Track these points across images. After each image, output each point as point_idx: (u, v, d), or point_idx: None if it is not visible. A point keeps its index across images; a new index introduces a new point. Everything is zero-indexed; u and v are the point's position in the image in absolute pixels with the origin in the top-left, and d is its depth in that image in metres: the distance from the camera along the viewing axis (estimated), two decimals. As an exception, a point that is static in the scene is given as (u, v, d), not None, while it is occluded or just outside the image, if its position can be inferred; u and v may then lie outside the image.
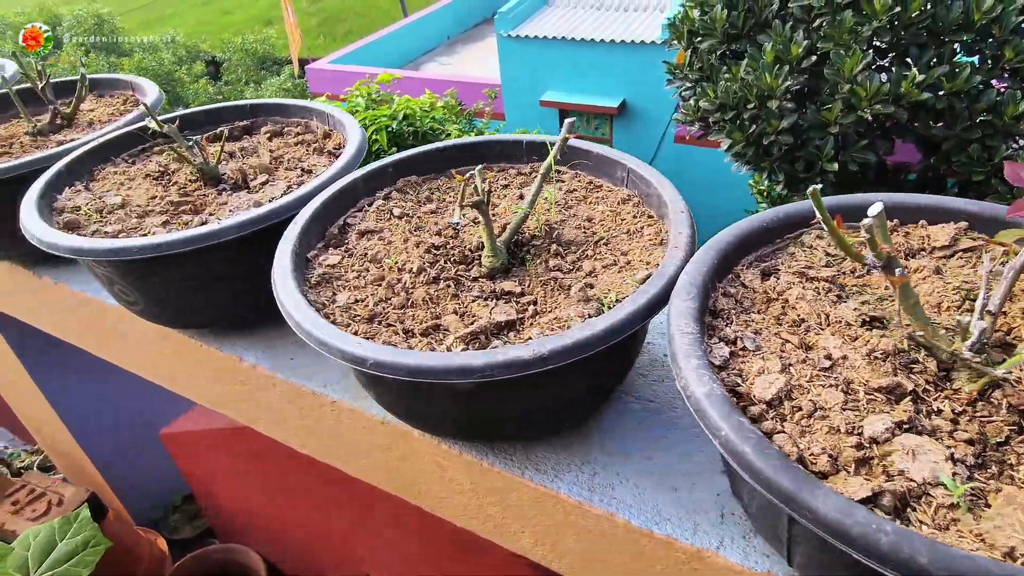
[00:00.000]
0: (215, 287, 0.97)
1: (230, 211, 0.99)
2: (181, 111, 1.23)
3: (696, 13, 4.49)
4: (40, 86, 1.31)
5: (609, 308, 0.71)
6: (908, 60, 3.62)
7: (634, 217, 0.89)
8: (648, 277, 0.73)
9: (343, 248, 0.89)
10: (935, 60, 3.53)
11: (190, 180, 1.07)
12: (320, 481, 1.57)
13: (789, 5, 3.96)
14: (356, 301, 0.78)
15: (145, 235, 0.95)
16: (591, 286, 0.76)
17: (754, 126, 3.96)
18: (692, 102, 4.47)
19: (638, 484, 0.77)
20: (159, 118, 1.11)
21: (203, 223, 0.96)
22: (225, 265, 0.94)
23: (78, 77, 1.30)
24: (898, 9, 3.41)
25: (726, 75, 4.16)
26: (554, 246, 0.84)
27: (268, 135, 1.22)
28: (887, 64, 3.74)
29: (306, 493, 1.66)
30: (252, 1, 29.32)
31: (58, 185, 1.06)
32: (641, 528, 0.73)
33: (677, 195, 0.85)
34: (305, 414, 1.02)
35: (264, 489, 1.77)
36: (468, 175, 0.77)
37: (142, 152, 1.20)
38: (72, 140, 1.23)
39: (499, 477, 0.81)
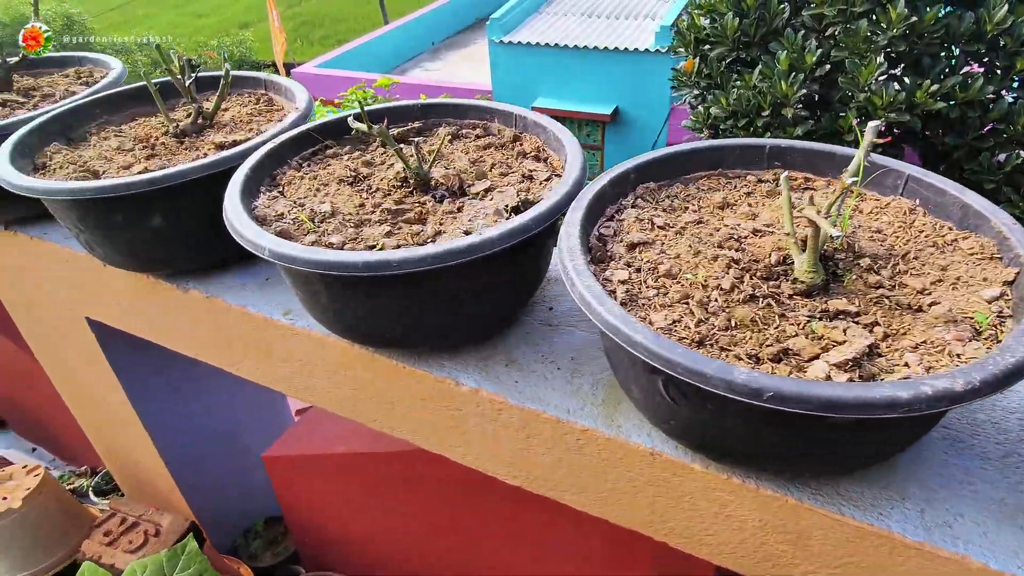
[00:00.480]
0: (466, 302, 0.87)
1: (469, 220, 0.87)
2: (348, 111, 1.12)
3: (705, 21, 4.49)
4: (186, 82, 1.18)
5: (979, 328, 0.66)
6: (920, 70, 3.66)
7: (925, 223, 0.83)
8: (996, 296, 0.69)
9: (622, 262, 0.79)
10: (947, 70, 3.58)
11: (394, 186, 0.97)
12: (439, 509, 1.46)
13: (801, 14, 3.98)
14: (674, 322, 0.69)
15: (374, 247, 0.83)
16: (936, 303, 0.70)
17: (768, 133, 3.96)
18: (702, 109, 4.47)
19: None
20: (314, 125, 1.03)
21: (436, 233, 0.86)
22: (483, 278, 0.84)
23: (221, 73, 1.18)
24: (914, 19, 3.44)
25: (738, 83, 4.16)
26: (865, 260, 0.77)
27: (448, 137, 1.12)
28: (898, 74, 3.79)
29: (420, 522, 1.54)
30: (226, 4, 28.88)
31: (251, 190, 0.96)
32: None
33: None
34: (535, 443, 0.92)
35: (370, 517, 1.64)
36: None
37: (314, 155, 1.10)
38: (231, 141, 1.13)
39: (809, 514, 0.73)
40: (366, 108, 1.07)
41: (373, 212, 0.92)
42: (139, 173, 1.03)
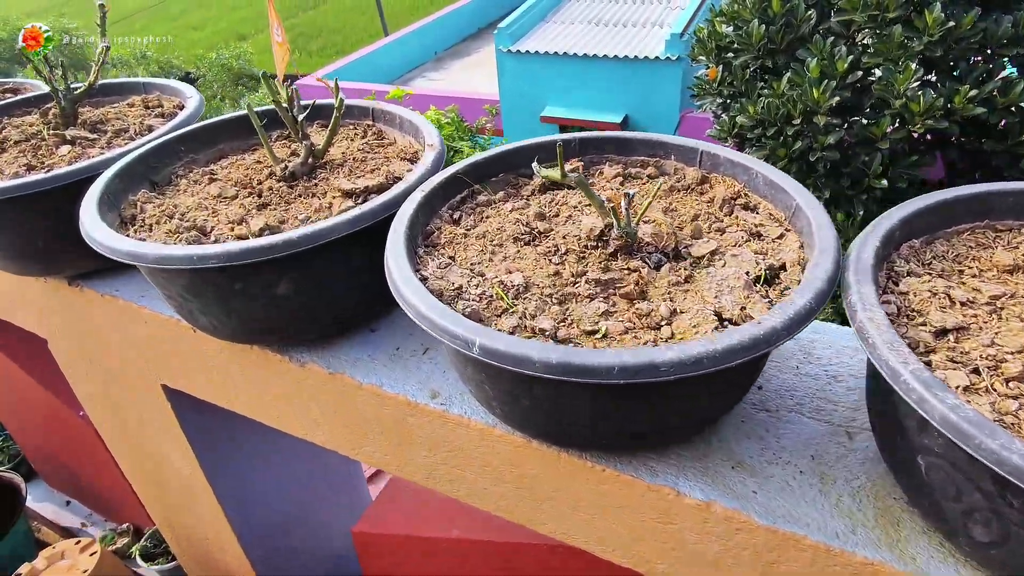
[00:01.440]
0: (703, 399, 0.74)
1: (714, 295, 0.72)
2: (499, 147, 1.00)
3: (728, 29, 4.41)
4: (293, 113, 1.04)
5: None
6: (955, 75, 3.58)
7: None
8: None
9: (940, 355, 0.64)
10: (985, 75, 3.50)
11: (587, 246, 0.81)
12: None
13: (830, 19, 3.91)
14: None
15: (594, 332, 0.70)
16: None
17: (799, 142, 3.88)
18: (727, 118, 4.39)
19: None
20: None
21: (672, 312, 0.71)
22: (732, 373, 0.68)
23: (334, 103, 1.04)
24: (951, 24, 3.37)
25: (765, 91, 4.08)
26: None
27: (618, 179, 0.97)
28: (933, 79, 3.71)
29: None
30: (220, 16, 28.81)
31: (411, 253, 0.83)
32: None
33: None
34: (781, 572, 0.75)
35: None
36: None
37: (462, 203, 0.96)
38: (361, 188, 0.99)
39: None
40: (515, 145, 0.97)
41: (576, 283, 0.77)
42: (262, 230, 0.91)
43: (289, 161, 1.07)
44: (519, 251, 0.85)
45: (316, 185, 1.04)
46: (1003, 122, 3.54)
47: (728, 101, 4.56)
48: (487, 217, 0.94)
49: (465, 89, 10.32)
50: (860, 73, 3.71)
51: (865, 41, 3.94)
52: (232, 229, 0.95)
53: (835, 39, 3.83)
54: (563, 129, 8.70)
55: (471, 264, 0.83)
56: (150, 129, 1.31)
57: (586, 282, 0.76)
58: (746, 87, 4.28)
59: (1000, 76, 3.46)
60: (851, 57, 3.69)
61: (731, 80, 4.40)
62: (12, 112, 1.46)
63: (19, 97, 1.48)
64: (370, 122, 1.23)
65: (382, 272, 0.80)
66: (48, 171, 1.13)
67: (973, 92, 3.38)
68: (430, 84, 11.53)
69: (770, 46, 4.10)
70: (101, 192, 1.00)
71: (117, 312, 1.24)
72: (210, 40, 24.16)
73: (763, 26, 4.07)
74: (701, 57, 4.86)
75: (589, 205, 0.86)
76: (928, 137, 3.76)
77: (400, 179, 0.99)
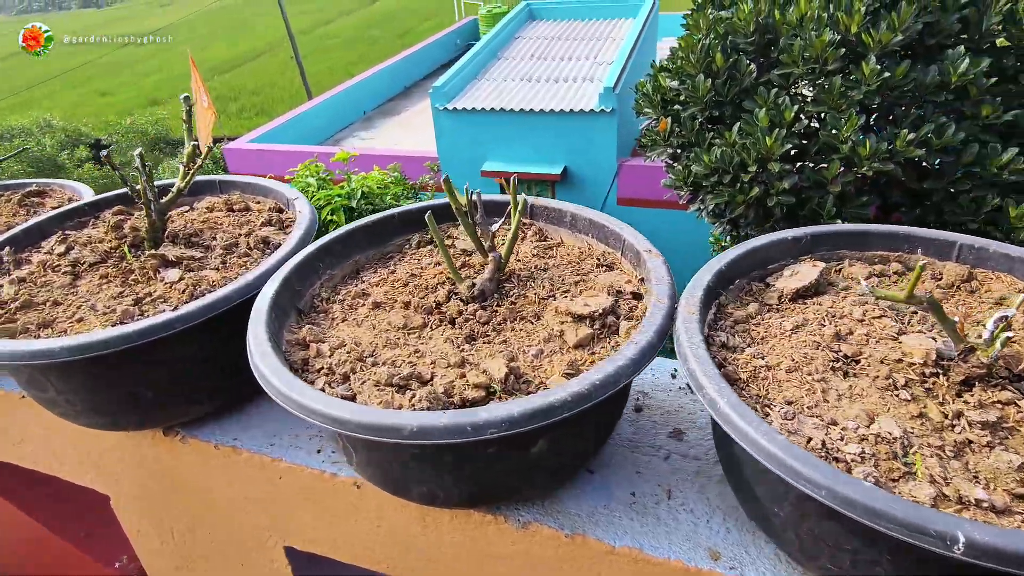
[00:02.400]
0: None
1: None
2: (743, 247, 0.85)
3: (674, 83, 4.56)
4: (475, 219, 0.91)
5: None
6: (894, 121, 3.80)
7: None
8: None
9: None
10: (919, 120, 3.73)
11: (924, 374, 0.69)
12: None
13: (773, 72, 4.10)
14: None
15: None
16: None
17: (755, 188, 4.00)
18: (681, 167, 4.49)
19: None
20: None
21: None
22: None
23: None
24: (887, 74, 3.58)
25: (717, 140, 4.21)
26: None
27: (872, 280, 0.85)
28: (872, 124, 3.93)
29: None
30: (132, 81, 27.86)
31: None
32: None
33: None
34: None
35: None
36: None
37: (717, 319, 0.83)
38: (598, 311, 0.86)
39: None
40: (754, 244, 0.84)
41: (955, 427, 0.65)
42: (508, 377, 0.75)
43: (472, 276, 0.90)
44: (848, 384, 0.71)
45: (517, 305, 0.89)
46: (938, 162, 3.77)
47: (678, 151, 4.69)
48: (769, 336, 0.80)
49: (404, 147, 10.28)
50: (806, 122, 3.89)
51: (803, 92, 4.16)
52: (463, 377, 0.78)
53: (778, 90, 4.02)
54: (505, 183, 8.75)
55: (805, 406, 0.69)
56: (266, 243, 1.12)
57: (968, 424, 0.63)
58: (696, 137, 4.41)
59: (935, 121, 3.69)
60: (796, 107, 3.87)
61: (681, 131, 4.52)
62: (63, 224, 1.24)
63: (71, 206, 1.27)
64: (527, 219, 1.08)
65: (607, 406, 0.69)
66: (174, 308, 0.95)
67: (911, 136, 3.58)
68: (362, 143, 11.43)
69: (716, 98, 4.25)
70: (266, 330, 0.82)
71: (236, 464, 1.05)
72: (121, 106, 23.27)
73: (708, 80, 4.23)
74: (648, 110, 4.99)
75: (834, 315, 0.73)
76: (873, 178, 3.95)
77: (620, 293, 0.84)
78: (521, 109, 8.13)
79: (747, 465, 0.70)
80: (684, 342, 0.74)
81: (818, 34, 3.69)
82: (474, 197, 0.92)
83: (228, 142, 10.37)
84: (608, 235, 0.98)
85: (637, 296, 0.91)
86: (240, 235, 1.16)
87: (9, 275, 1.12)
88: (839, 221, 3.88)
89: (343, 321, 0.93)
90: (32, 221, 1.24)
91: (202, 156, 1.15)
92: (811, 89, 4.08)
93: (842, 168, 3.78)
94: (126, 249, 1.12)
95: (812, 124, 4.01)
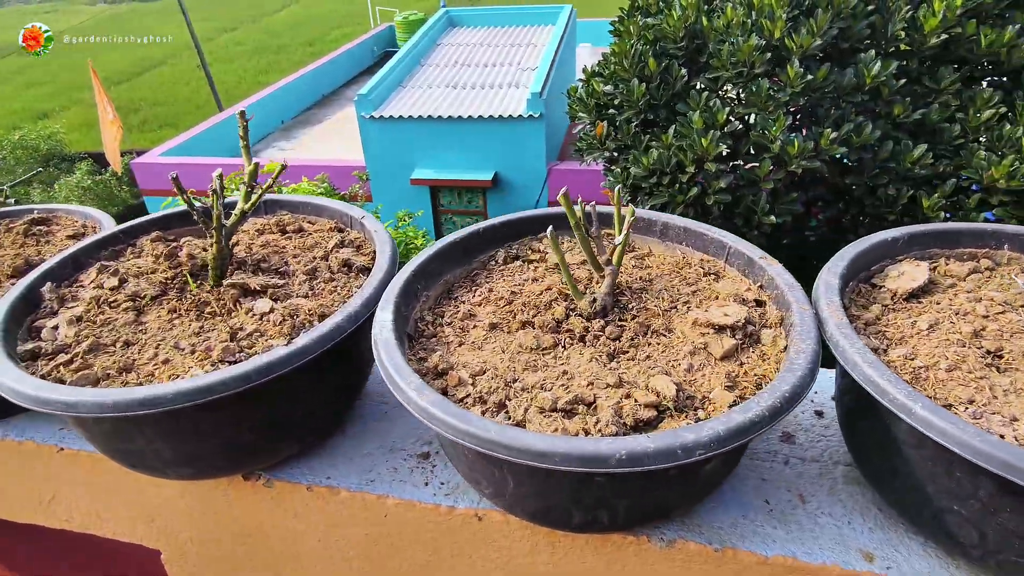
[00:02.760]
0: None
1: None
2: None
3: (608, 87, 4.65)
4: (590, 233, 0.88)
5: None
6: (817, 121, 4.02)
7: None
8: None
9: None
10: (839, 119, 3.96)
11: None
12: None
13: (702, 76, 4.25)
14: None
15: None
16: None
17: (694, 189, 4.12)
18: (619, 170, 4.58)
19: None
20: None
21: None
22: None
23: None
24: (809, 77, 3.79)
25: (653, 143, 4.32)
26: None
27: (974, 276, 0.85)
28: (797, 125, 4.14)
29: None
30: (15, 93, 25.67)
31: None
32: None
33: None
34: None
35: None
36: None
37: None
38: (736, 321, 0.83)
39: None
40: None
41: None
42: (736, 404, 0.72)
43: (591, 292, 0.85)
44: (1009, 380, 0.72)
45: (641, 319, 0.85)
46: (858, 159, 4.01)
47: (615, 154, 4.78)
48: (907, 337, 0.79)
49: (329, 157, 9.98)
50: (738, 123, 4.05)
51: (731, 94, 4.34)
52: (628, 397, 0.74)
53: (708, 94, 4.17)
54: (434, 191, 8.65)
55: (981, 404, 0.69)
56: (347, 265, 1.02)
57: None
58: (633, 140, 4.51)
59: (854, 120, 3.93)
60: (727, 109, 4.02)
61: (617, 135, 4.61)
62: (98, 254, 1.12)
63: (103, 234, 1.12)
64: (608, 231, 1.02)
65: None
66: (288, 341, 0.86)
67: (834, 135, 3.80)
68: (283, 154, 11.01)
69: (652, 102, 4.36)
70: (404, 360, 0.78)
71: (333, 506, 0.97)
72: (7, 119, 21.41)
73: (643, 84, 4.33)
74: (582, 115, 5.07)
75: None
76: (800, 175, 4.16)
77: (744, 302, 0.83)
78: (449, 116, 8.08)
79: (920, 464, 0.70)
80: (847, 347, 0.74)
81: (745, 40, 3.85)
82: (588, 209, 0.88)
83: (137, 156, 9.72)
84: (708, 243, 0.97)
85: (760, 303, 0.89)
86: (316, 258, 1.06)
87: (59, 314, 0.98)
88: (771, 218, 4.07)
89: (460, 345, 0.87)
90: (65, 253, 1.09)
91: (254, 171, 1.04)
92: (738, 92, 4.26)
93: (772, 167, 3.95)
94: (189, 279, 1.00)
95: (740, 126, 4.18)
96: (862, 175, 4.01)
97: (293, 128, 12.56)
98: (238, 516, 1.07)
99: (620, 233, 0.88)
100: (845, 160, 4.01)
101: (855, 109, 4.05)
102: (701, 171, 4.07)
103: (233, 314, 0.96)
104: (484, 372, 0.81)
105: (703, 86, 4.27)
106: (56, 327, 0.95)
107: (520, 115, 7.86)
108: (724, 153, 4.29)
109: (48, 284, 1.03)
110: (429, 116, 8.06)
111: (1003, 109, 3.82)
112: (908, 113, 3.88)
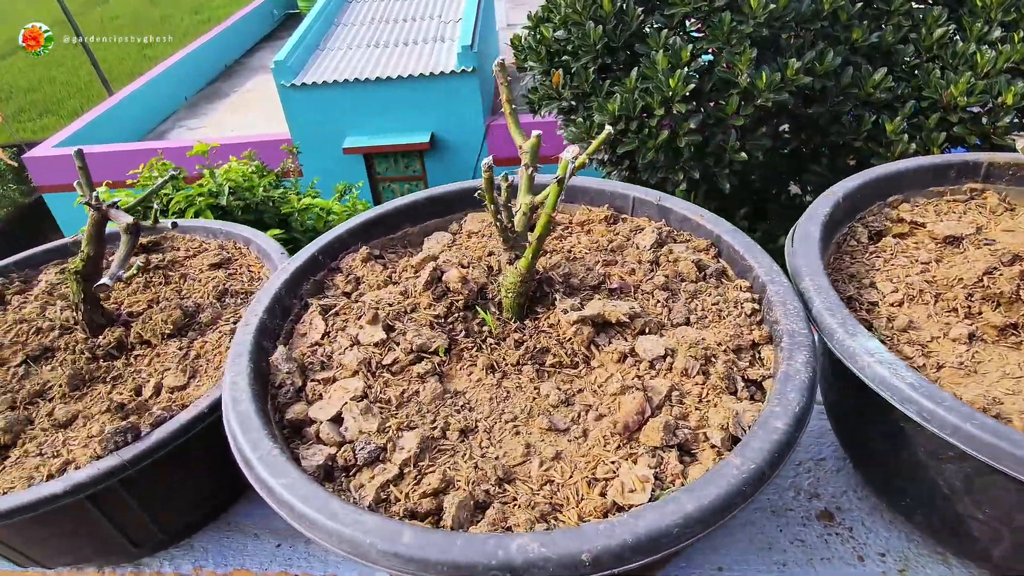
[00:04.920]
0: None
1: None
2: None
3: (559, 33, 4.37)
4: None
5: None
6: (780, 51, 3.92)
7: None
8: None
9: None
10: (801, 48, 3.87)
11: None
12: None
13: (656, 14, 4.05)
14: None
15: None
16: None
17: (665, 132, 3.97)
18: (581, 119, 4.35)
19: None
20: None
21: None
22: None
23: None
24: (772, 6, 3.65)
25: (616, 87, 4.11)
26: None
27: None
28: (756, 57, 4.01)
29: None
30: None
31: None
32: None
33: None
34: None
35: None
36: None
37: None
38: None
39: None
40: None
41: None
42: None
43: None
44: None
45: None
46: (821, 87, 3.94)
47: (573, 103, 4.54)
48: None
49: (247, 133, 9.19)
50: (703, 60, 3.88)
51: (692, 31, 4.16)
52: None
53: (667, 31, 3.97)
54: (369, 159, 8.12)
55: None
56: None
57: None
58: (592, 87, 4.27)
59: (816, 48, 3.84)
60: (690, 46, 3.85)
61: (574, 83, 4.36)
62: None
63: None
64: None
65: None
66: None
67: (798, 64, 3.70)
68: (194, 134, 10.06)
69: (611, 45, 4.13)
70: None
71: None
72: None
73: (599, 26, 4.08)
74: (532, 64, 4.77)
75: None
76: (767, 109, 4.06)
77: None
78: (377, 77, 7.53)
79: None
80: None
81: (705, -29, 3.66)
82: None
83: (27, 149, 8.60)
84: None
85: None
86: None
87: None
88: (742, 155, 3.97)
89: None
90: None
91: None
92: (698, 28, 4.08)
93: (741, 102, 3.83)
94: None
95: (705, 63, 4.02)
96: (825, 103, 3.96)
97: (200, 104, 11.49)
98: None
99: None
100: (807, 90, 3.93)
101: (815, 37, 3.96)
102: (669, 114, 3.90)
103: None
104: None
105: (660, 24, 4.07)
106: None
107: (452, 71, 7.43)
108: (688, 93, 4.14)
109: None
110: (356, 79, 7.49)
111: (952, 27, 3.83)
112: (867, 37, 3.83)
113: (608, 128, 0.84)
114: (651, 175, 4.28)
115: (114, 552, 0.84)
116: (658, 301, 0.84)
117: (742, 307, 0.81)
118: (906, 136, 3.83)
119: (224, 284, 1.04)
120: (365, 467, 0.69)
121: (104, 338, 0.92)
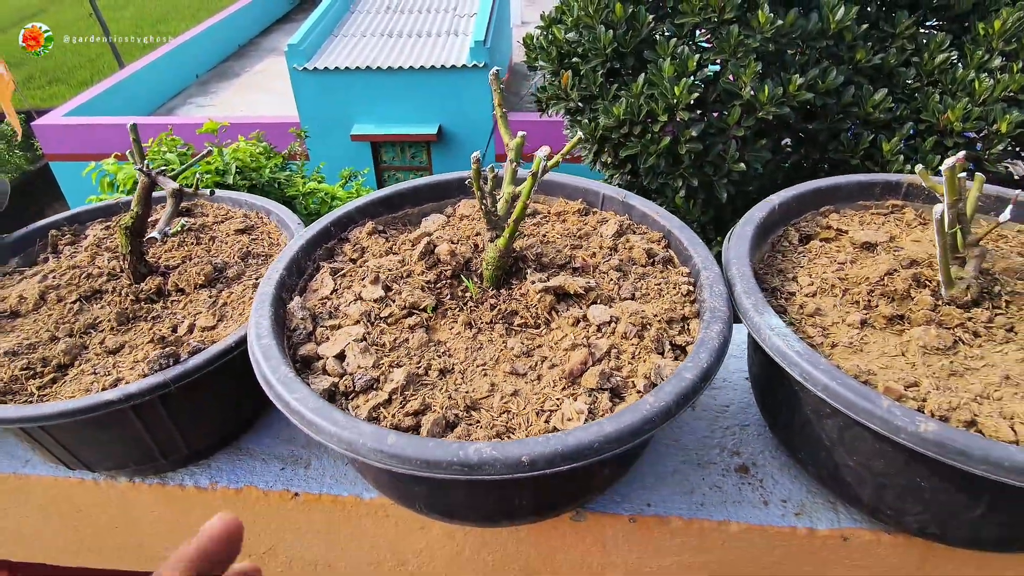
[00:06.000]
0: None
1: None
2: None
3: (571, 35, 4.56)
4: None
5: None
6: (785, 67, 4.10)
7: None
8: None
9: None
10: (806, 65, 4.05)
11: None
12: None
13: (666, 22, 4.23)
14: None
15: None
16: None
17: (667, 138, 4.14)
18: (586, 121, 4.54)
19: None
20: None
21: None
22: None
23: None
24: (779, 22, 3.84)
25: (622, 92, 4.29)
26: None
27: None
28: (762, 71, 4.20)
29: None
30: None
31: None
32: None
33: None
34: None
35: None
36: None
37: None
38: None
39: None
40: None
41: None
42: None
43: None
44: None
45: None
46: (822, 104, 4.13)
47: (580, 105, 4.72)
48: None
49: (254, 113, 9.40)
50: (709, 71, 4.07)
51: (700, 41, 4.34)
52: None
53: (676, 40, 4.16)
54: (376, 147, 8.34)
55: None
56: None
57: None
58: (599, 90, 4.46)
59: (820, 66, 4.02)
60: (697, 56, 4.03)
61: (582, 84, 4.55)
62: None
63: None
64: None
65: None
66: None
67: (801, 80, 3.89)
68: (203, 111, 10.29)
69: (621, 49, 4.31)
70: None
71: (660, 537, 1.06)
72: None
73: (609, 31, 4.27)
74: (543, 64, 4.96)
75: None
76: (768, 122, 4.25)
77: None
78: (389, 67, 7.75)
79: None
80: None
81: (715, -16, 3.84)
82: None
83: (37, 117, 8.82)
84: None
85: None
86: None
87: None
88: (741, 165, 4.15)
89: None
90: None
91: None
92: (707, 39, 4.27)
93: (742, 114, 4.02)
94: None
95: (711, 73, 4.21)
96: (826, 120, 4.14)
97: (211, 82, 11.73)
98: (529, 559, 1.05)
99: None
100: (809, 105, 4.12)
101: (819, 55, 4.15)
102: (672, 120, 4.09)
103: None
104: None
105: (669, 33, 4.26)
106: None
107: (464, 64, 7.64)
108: (692, 102, 4.32)
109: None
110: (368, 67, 7.70)
111: (954, 53, 4.01)
112: (870, 58, 4.01)
113: (579, 134, 1.02)
114: (651, 180, 4.47)
115: (146, 460, 1.04)
116: (611, 279, 1.04)
117: (679, 288, 1.01)
118: (902, 157, 4.02)
119: (248, 247, 1.24)
120: (361, 393, 0.89)
121: (146, 284, 1.12)
